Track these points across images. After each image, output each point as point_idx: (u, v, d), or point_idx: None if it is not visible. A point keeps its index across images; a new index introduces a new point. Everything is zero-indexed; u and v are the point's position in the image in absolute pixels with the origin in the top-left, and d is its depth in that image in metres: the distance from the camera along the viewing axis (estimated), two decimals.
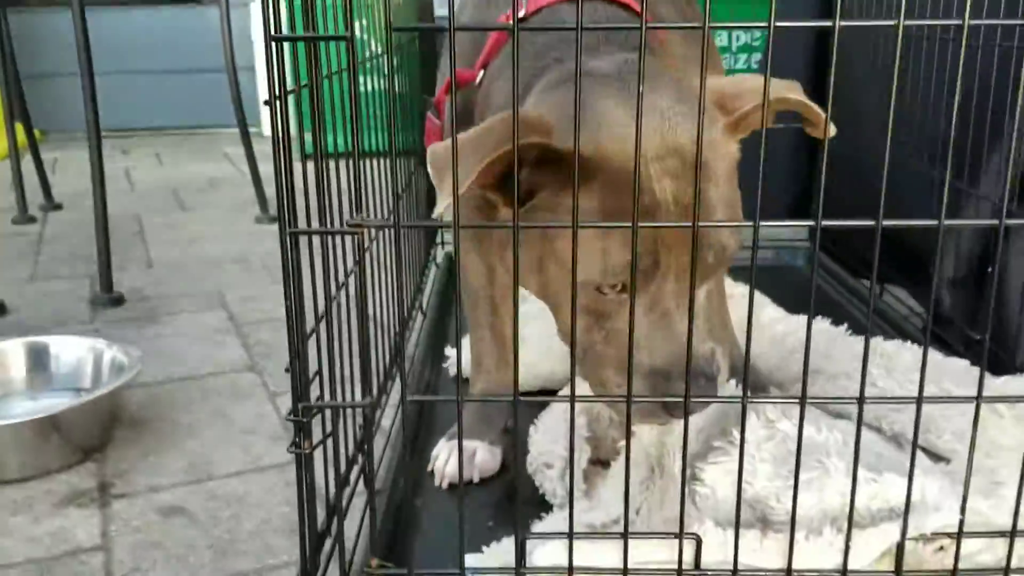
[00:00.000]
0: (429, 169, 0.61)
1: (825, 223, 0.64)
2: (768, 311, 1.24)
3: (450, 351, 1.29)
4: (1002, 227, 0.64)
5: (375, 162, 1.13)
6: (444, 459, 1.01)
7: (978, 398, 0.67)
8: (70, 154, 3.21)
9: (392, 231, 0.63)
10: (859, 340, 1.16)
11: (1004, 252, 1.20)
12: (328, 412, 0.76)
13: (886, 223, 0.64)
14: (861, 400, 0.66)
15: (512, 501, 0.98)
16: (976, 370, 1.05)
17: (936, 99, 1.34)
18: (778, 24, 0.59)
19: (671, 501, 0.82)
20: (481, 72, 0.82)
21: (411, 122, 1.61)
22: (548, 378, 1.14)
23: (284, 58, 0.65)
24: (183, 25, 3.77)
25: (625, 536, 0.69)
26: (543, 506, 0.93)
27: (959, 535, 0.69)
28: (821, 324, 1.20)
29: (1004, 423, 0.86)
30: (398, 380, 1.22)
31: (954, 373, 1.01)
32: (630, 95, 0.65)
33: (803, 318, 1.22)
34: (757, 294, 1.30)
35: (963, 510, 0.67)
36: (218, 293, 1.82)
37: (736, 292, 1.28)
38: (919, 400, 0.66)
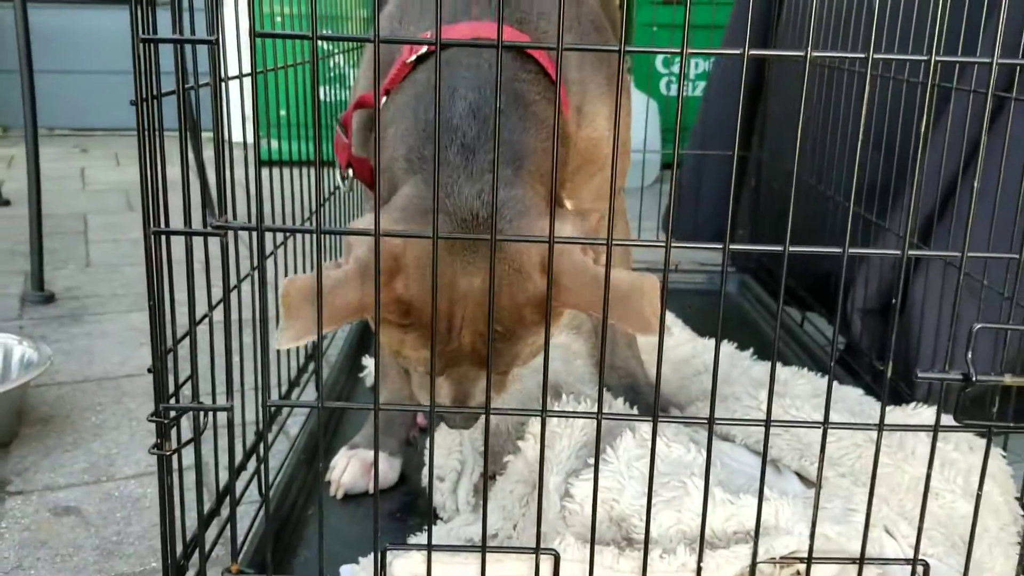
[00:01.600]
0: (280, 301, 0.64)
1: (733, 247, 0.65)
2: (675, 332, 1.25)
3: (367, 360, 1.29)
4: (904, 259, 0.66)
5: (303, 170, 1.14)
6: (341, 469, 1.01)
7: (824, 423, 0.68)
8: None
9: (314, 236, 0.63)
10: (757, 365, 1.18)
11: (909, 285, 1.23)
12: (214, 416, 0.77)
13: (792, 249, 0.65)
14: (711, 420, 0.67)
15: (406, 513, 0.99)
16: (869, 399, 1.07)
17: (855, 137, 1.37)
18: (690, 52, 0.60)
19: (543, 515, 0.82)
20: (384, 98, 0.81)
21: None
22: None
23: (153, 59, 0.66)
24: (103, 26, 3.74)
25: (483, 550, 0.70)
26: (435, 518, 0.94)
27: (808, 560, 0.70)
28: (727, 348, 1.22)
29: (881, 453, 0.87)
30: (312, 385, 1.24)
31: (846, 402, 1.03)
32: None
33: (709, 341, 1.24)
34: (669, 315, 1.32)
35: (812, 536, 0.68)
36: None
37: None
38: (767, 423, 0.68)
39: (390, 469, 1.03)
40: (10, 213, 2.45)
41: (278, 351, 1.11)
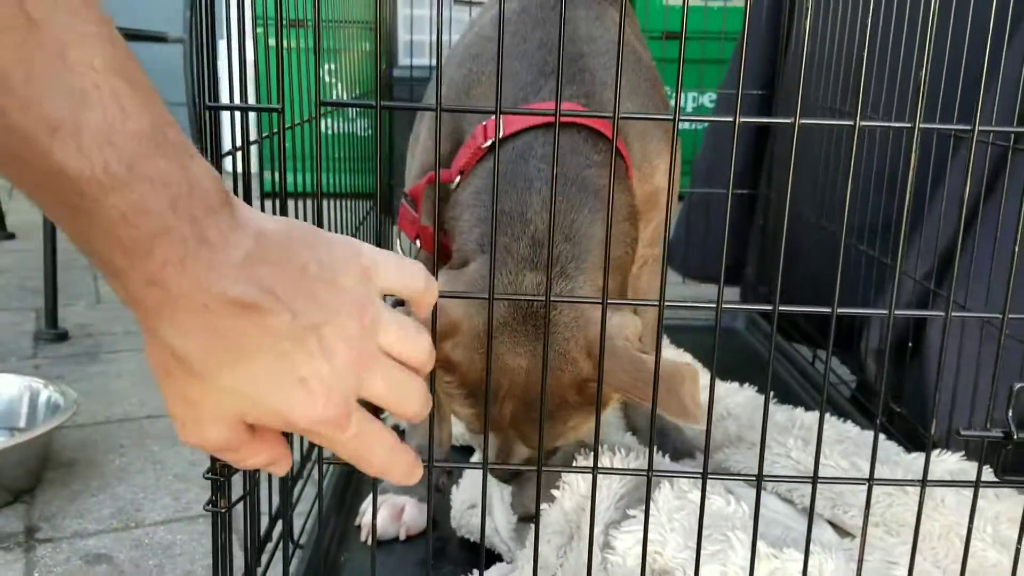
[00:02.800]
0: None
1: (783, 309, 0.67)
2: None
3: None
4: (947, 320, 0.67)
5: (332, 202, 1.16)
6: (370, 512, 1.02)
7: (869, 480, 0.70)
8: None
9: None
10: (782, 409, 1.19)
11: (924, 328, 1.25)
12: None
13: (782, 309, 0.67)
14: (760, 477, 0.69)
15: (437, 559, 1.00)
16: (891, 444, 1.09)
17: (865, 176, 1.40)
18: (743, 120, 0.62)
19: (584, 567, 0.83)
20: (458, 178, 0.83)
21: (368, 164, 1.64)
22: None
23: (218, 126, 0.68)
24: (149, 58, 3.78)
25: None
26: (466, 565, 0.95)
27: None
28: (748, 391, 1.24)
29: (909, 500, 0.89)
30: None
31: (868, 447, 1.04)
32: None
33: (732, 385, 1.26)
34: (689, 358, 1.34)
35: None
36: None
37: (669, 355, 1.31)
38: (815, 480, 0.69)
39: (419, 514, 1.04)
40: (17, 247, 2.45)
41: None
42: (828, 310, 0.66)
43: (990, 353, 1.15)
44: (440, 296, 0.62)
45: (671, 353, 1.39)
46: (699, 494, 0.84)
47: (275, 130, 0.65)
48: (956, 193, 1.19)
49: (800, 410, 1.16)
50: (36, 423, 1.25)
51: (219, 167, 0.68)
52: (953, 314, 0.68)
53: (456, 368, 0.75)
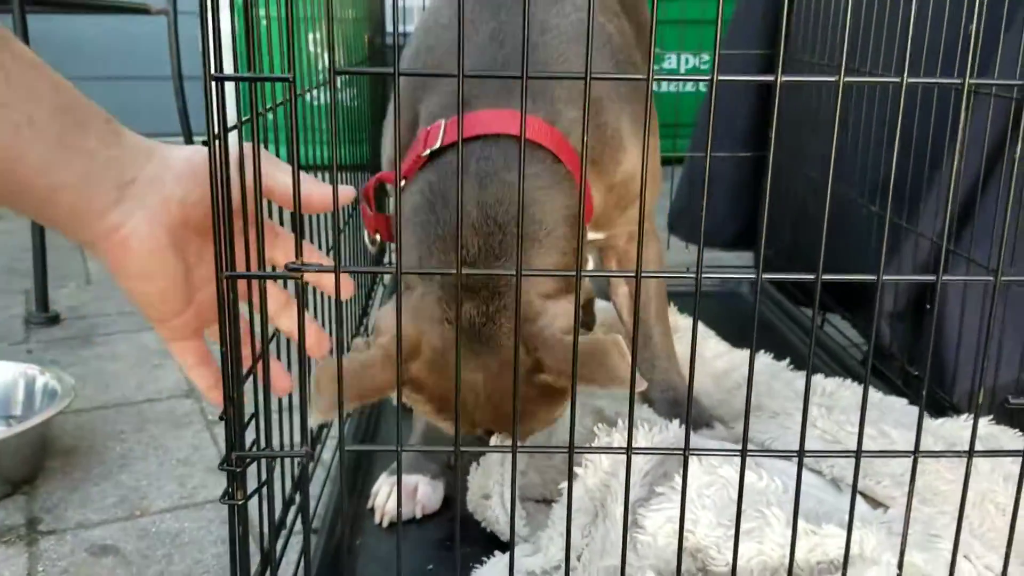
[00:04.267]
0: (312, 386, 0.70)
1: (826, 278, 0.63)
2: (711, 344, 1.24)
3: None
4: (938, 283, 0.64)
5: (320, 174, 1.11)
6: (385, 496, 1.00)
7: (915, 452, 0.67)
8: None
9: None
10: (799, 376, 1.17)
11: (942, 290, 1.23)
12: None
13: (826, 277, 0.64)
14: (801, 453, 0.66)
15: (454, 541, 0.97)
16: (913, 410, 1.07)
17: (877, 134, 1.36)
18: (721, 78, 0.58)
19: (613, 547, 0.81)
20: (403, 182, 0.83)
21: (363, 135, 1.60)
22: None
23: (225, 97, 0.63)
24: (132, 31, 3.70)
25: None
26: (487, 545, 0.92)
27: None
28: (763, 359, 1.21)
29: (940, 467, 0.87)
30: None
31: (893, 413, 1.02)
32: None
33: (746, 352, 1.23)
34: (702, 326, 1.31)
35: (900, 565, 0.68)
36: None
37: (681, 325, 1.28)
38: (858, 454, 0.66)
39: (433, 492, 1.01)
40: (3, 228, 2.39)
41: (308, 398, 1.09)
42: (811, 276, 0.62)
43: (1011, 314, 1.13)
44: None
45: (679, 320, 1.36)
46: (728, 469, 0.82)
47: (286, 98, 0.61)
48: (966, 152, 1.16)
49: (820, 376, 1.13)
50: (33, 411, 1.21)
51: (226, 141, 0.64)
52: (945, 278, 0.64)
53: (424, 387, 0.78)
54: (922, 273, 1.30)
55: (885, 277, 0.64)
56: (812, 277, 0.64)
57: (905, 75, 0.59)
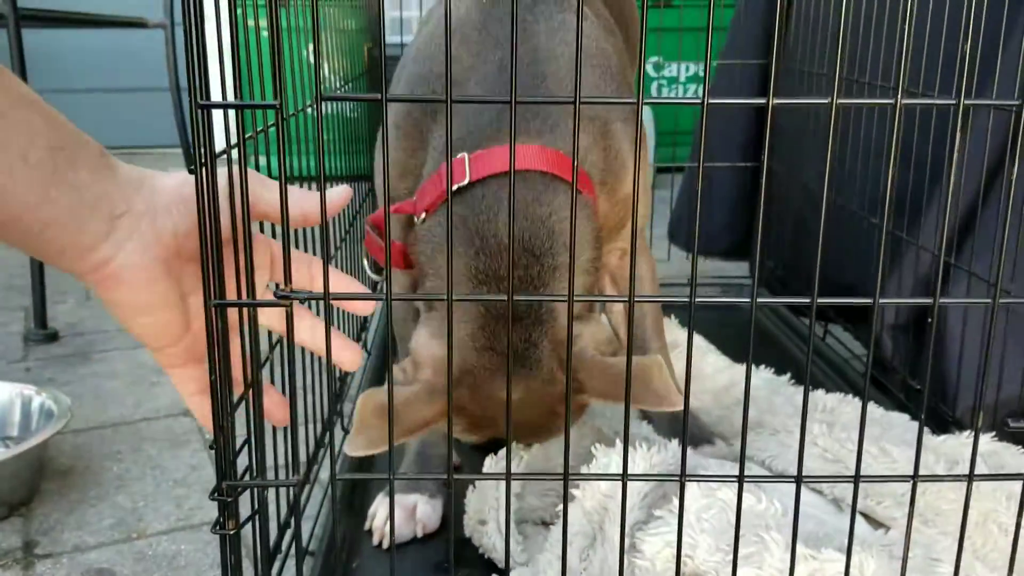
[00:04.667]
0: (356, 414, 0.72)
1: (821, 301, 0.62)
2: (711, 359, 1.23)
3: None
4: (935, 305, 0.63)
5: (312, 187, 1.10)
6: (382, 518, 0.98)
7: (914, 477, 0.66)
8: None
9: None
10: (800, 391, 1.16)
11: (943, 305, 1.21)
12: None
13: (883, 301, 0.63)
14: (799, 479, 0.65)
15: (451, 564, 0.96)
16: (916, 426, 1.06)
17: (877, 146, 1.36)
18: (712, 101, 0.58)
19: (611, 572, 0.80)
20: (423, 214, 0.83)
21: (361, 146, 1.59)
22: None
23: (212, 125, 0.63)
24: (129, 44, 3.71)
25: None
26: (485, 569, 0.92)
27: None
28: (764, 373, 1.20)
29: (942, 486, 0.86)
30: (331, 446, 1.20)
31: (895, 430, 1.01)
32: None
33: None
34: (701, 340, 1.30)
35: None
36: None
37: (680, 339, 1.27)
38: (856, 479, 0.66)
39: (432, 511, 1.00)
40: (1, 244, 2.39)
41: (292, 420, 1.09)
42: (807, 300, 0.61)
43: (1013, 328, 1.12)
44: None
45: (677, 334, 1.35)
46: (728, 491, 0.81)
47: (271, 123, 0.61)
48: (966, 165, 1.15)
49: (820, 392, 1.12)
50: (30, 432, 1.21)
51: (214, 167, 0.64)
52: (942, 300, 0.63)
53: (464, 412, 0.80)
54: (923, 285, 1.29)
55: (882, 300, 0.63)
56: (808, 300, 0.63)
57: (900, 98, 0.58)
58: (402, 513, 0.99)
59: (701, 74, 3.10)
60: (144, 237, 0.57)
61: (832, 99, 0.57)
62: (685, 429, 0.65)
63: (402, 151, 0.90)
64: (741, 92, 1.80)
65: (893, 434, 0.98)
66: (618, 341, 1.10)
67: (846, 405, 1.08)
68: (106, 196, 0.55)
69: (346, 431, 0.72)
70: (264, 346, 0.70)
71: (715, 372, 1.20)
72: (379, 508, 1.00)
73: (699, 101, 0.57)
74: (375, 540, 0.97)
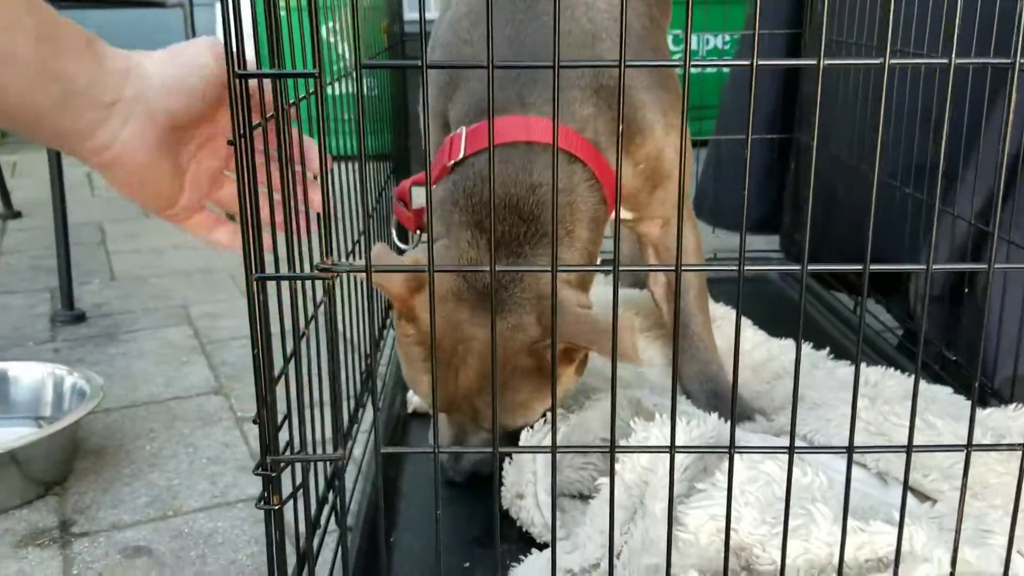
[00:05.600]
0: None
1: (874, 267, 0.61)
2: (747, 334, 1.22)
3: None
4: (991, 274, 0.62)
5: (346, 165, 1.10)
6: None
7: (968, 446, 0.65)
8: (30, 157, 3.13)
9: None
10: (840, 365, 1.14)
11: (981, 274, 1.20)
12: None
13: (935, 267, 0.61)
14: (850, 449, 0.64)
15: (489, 535, 0.96)
16: (959, 399, 1.04)
17: (910, 114, 1.33)
18: (761, 63, 0.56)
19: (653, 545, 0.79)
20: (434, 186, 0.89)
21: (383, 125, 1.58)
22: None
23: (248, 95, 0.62)
24: (148, 25, 3.70)
25: None
26: (523, 543, 0.91)
27: None
28: (803, 348, 1.18)
29: (990, 459, 0.84)
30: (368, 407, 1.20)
31: (937, 403, 1.00)
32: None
33: (786, 342, 1.21)
34: (727, 310, 1.29)
35: (954, 562, 0.65)
36: (182, 307, 1.77)
37: (718, 313, 1.26)
38: (908, 449, 0.64)
39: None
40: (25, 225, 2.40)
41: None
42: (859, 267, 0.60)
43: None
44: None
45: (714, 308, 1.33)
46: (771, 464, 0.80)
47: (311, 91, 0.60)
48: (995, 131, 1.13)
49: (862, 365, 1.10)
50: (62, 411, 1.21)
51: (251, 138, 0.63)
52: (997, 266, 0.62)
53: (416, 321, 0.81)
54: (958, 255, 1.27)
55: (935, 266, 0.62)
56: (859, 268, 0.62)
57: (953, 56, 0.56)
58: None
59: (721, 47, 3.06)
60: (140, 121, 0.59)
61: (885, 60, 0.56)
62: (734, 402, 0.64)
63: (432, 130, 0.94)
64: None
65: (936, 408, 0.96)
66: (661, 314, 1.09)
67: (888, 379, 1.06)
68: (95, 85, 0.57)
69: (376, 408, 0.73)
70: (300, 321, 0.70)
71: (752, 347, 1.19)
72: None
73: (748, 63, 0.56)
74: (409, 409, 1.12)
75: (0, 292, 1.88)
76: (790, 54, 1.76)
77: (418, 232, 0.95)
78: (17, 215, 2.48)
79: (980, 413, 0.94)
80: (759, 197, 1.80)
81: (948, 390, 1.04)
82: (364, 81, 1.30)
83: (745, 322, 1.26)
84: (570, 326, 0.78)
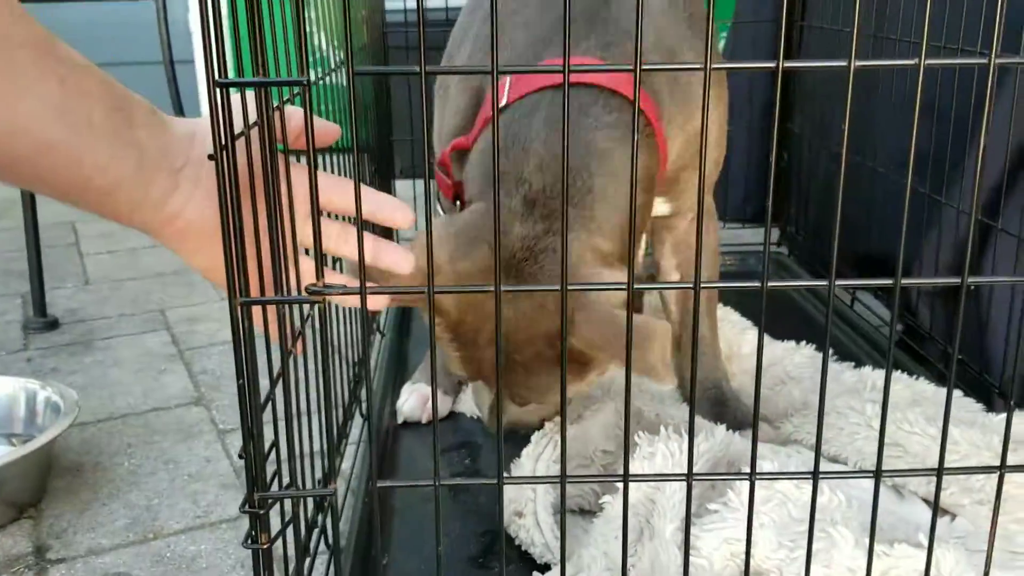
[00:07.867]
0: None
1: (905, 282, 0.57)
2: (749, 337, 1.18)
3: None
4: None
5: (333, 158, 1.05)
6: (403, 399, 1.11)
7: (1001, 468, 0.61)
8: None
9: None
10: (845, 368, 1.11)
11: (981, 265, 1.16)
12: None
13: (971, 280, 0.57)
14: (878, 473, 0.60)
15: (488, 557, 0.92)
16: (970, 402, 1.01)
17: (907, 108, 1.30)
18: (788, 64, 0.52)
19: (664, 569, 0.75)
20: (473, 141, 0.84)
21: (365, 118, 1.53)
22: None
23: (229, 105, 0.57)
24: (120, 17, 3.61)
25: None
26: (523, 563, 0.87)
27: None
28: (806, 350, 1.15)
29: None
30: (356, 421, 1.16)
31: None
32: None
33: (788, 344, 1.17)
34: (737, 316, 1.25)
35: None
36: (159, 312, 1.71)
37: (721, 316, 1.22)
38: (939, 471, 0.61)
39: (441, 404, 1.10)
40: None
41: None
42: (890, 282, 0.56)
43: None
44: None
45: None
46: (786, 483, 0.77)
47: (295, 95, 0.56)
48: (1000, 122, 1.10)
49: (868, 369, 1.07)
50: (35, 427, 1.15)
51: (233, 149, 0.58)
52: (970, 279, 0.58)
53: (442, 311, 0.77)
54: (961, 249, 1.24)
55: (971, 279, 0.58)
56: (891, 282, 0.58)
57: (923, 57, 0.52)
58: (417, 399, 1.11)
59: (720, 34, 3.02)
60: (205, 187, 0.59)
61: (920, 60, 0.52)
62: (755, 428, 0.60)
63: (463, 97, 0.90)
64: (760, 53, 1.74)
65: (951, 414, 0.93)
66: (665, 312, 1.05)
67: (896, 383, 1.03)
68: (166, 151, 0.57)
69: (364, 417, 0.69)
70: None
71: (754, 351, 1.15)
72: (403, 394, 1.13)
73: (773, 66, 0.52)
74: (399, 419, 1.10)
75: None
76: (786, 44, 1.72)
77: (456, 202, 0.89)
78: None
79: (994, 419, 0.91)
80: (756, 189, 1.77)
81: (958, 393, 1.01)
82: (339, 71, 1.25)
83: (746, 324, 1.23)
84: (592, 327, 0.70)
